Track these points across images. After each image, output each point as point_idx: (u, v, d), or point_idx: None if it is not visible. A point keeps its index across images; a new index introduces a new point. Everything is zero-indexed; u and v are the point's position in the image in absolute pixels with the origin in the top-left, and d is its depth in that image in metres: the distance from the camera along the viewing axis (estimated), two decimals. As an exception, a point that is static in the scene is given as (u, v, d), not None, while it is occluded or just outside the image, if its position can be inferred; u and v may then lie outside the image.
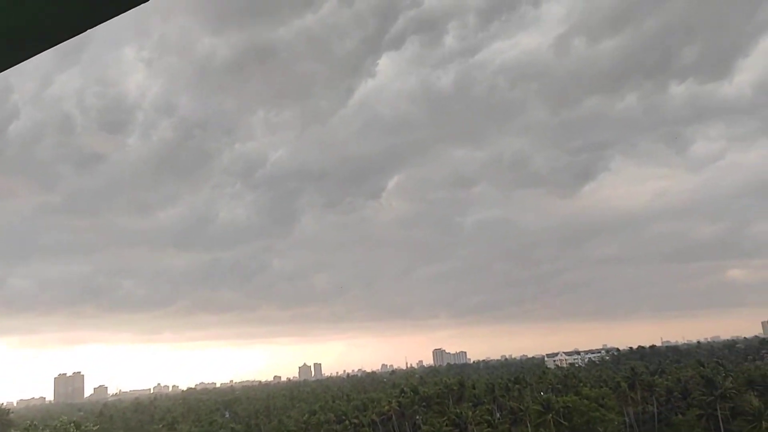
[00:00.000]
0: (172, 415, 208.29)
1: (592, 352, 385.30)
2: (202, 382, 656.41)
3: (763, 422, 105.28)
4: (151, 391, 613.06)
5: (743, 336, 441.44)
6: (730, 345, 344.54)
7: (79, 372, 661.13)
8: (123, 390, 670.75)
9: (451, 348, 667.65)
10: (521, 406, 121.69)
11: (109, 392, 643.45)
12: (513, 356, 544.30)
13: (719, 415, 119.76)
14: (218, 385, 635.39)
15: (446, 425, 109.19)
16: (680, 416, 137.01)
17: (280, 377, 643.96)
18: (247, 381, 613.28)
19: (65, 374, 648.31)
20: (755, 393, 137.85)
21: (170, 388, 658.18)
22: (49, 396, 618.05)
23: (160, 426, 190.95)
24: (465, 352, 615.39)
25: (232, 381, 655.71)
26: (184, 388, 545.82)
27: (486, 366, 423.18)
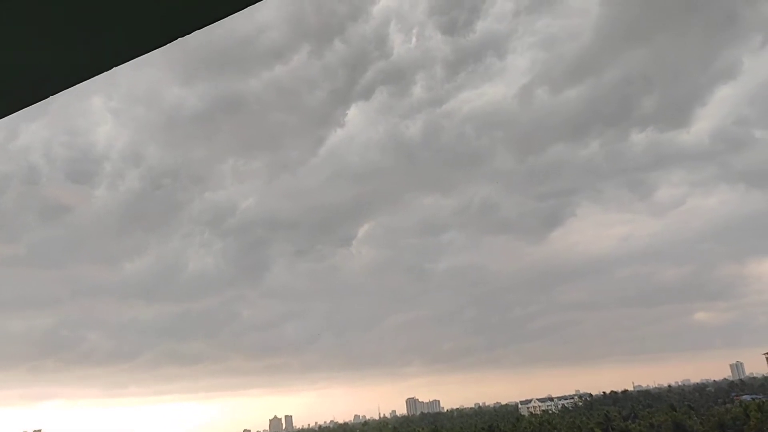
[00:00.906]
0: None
1: (565, 397, 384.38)
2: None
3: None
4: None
5: (713, 379, 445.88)
6: (701, 388, 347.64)
7: (40, 430, 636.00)
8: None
9: (424, 396, 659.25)
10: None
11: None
12: (486, 403, 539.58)
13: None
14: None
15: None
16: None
17: (249, 431, 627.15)
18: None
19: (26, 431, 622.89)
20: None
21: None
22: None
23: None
24: (438, 401, 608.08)
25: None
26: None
27: (460, 414, 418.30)
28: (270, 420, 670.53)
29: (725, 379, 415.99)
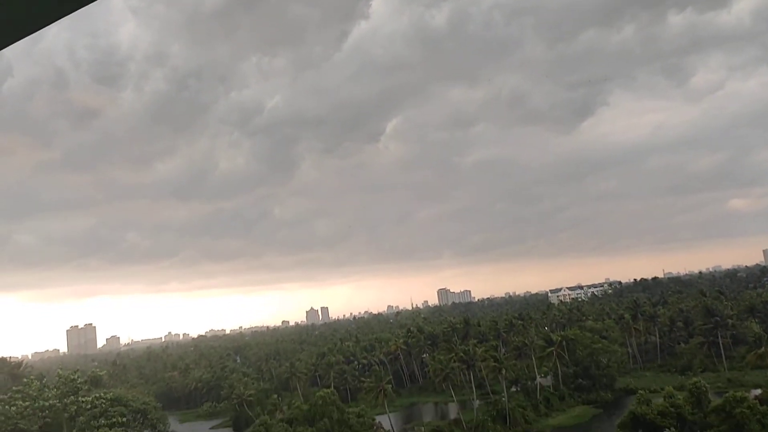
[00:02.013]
0: (184, 362, 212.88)
1: (594, 286, 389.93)
2: (211, 330, 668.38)
3: (764, 347, 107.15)
4: (162, 340, 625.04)
5: (744, 265, 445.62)
6: (732, 274, 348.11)
7: (91, 324, 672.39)
8: (135, 340, 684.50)
9: (456, 287, 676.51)
10: (526, 341, 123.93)
11: (121, 342, 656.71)
12: (517, 293, 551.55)
13: (720, 342, 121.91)
14: (228, 331, 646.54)
15: (453, 362, 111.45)
16: (682, 345, 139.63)
17: (288, 322, 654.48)
18: (256, 327, 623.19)
19: (77, 326, 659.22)
20: (756, 320, 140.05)
21: (181, 336, 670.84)
22: (63, 348, 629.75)
23: (174, 373, 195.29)
24: (469, 291, 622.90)
25: (241, 327, 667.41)
26: (195, 336, 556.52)
27: (490, 304, 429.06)
28: (307, 311, 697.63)
29: (757, 264, 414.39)
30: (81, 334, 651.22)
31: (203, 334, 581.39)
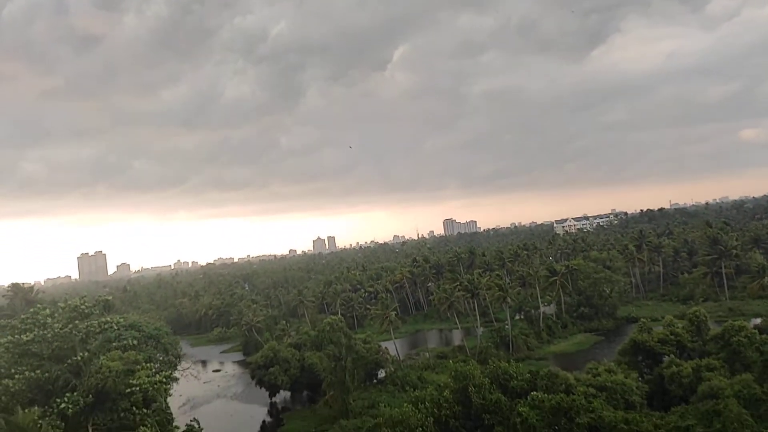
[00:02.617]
0: (194, 289, 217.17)
1: (600, 217, 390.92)
2: (220, 258, 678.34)
3: (766, 278, 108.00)
4: (172, 267, 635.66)
5: (752, 196, 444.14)
6: (739, 205, 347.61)
7: (101, 251, 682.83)
8: (144, 267, 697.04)
9: (461, 218, 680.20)
10: (530, 271, 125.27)
11: (131, 269, 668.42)
12: (522, 224, 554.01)
13: (723, 272, 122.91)
14: (236, 259, 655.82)
15: (458, 290, 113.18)
16: (685, 275, 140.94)
17: (295, 251, 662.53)
18: (264, 255, 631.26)
19: (87, 253, 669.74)
20: (760, 251, 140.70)
21: (190, 264, 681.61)
22: (75, 275, 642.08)
23: (184, 299, 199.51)
24: (475, 221, 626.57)
25: (249, 256, 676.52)
26: (204, 264, 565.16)
27: (496, 234, 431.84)
28: (314, 241, 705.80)
29: (765, 195, 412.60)
30: (92, 261, 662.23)
31: (212, 262, 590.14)
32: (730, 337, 58.89)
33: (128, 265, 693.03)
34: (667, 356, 62.73)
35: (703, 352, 61.65)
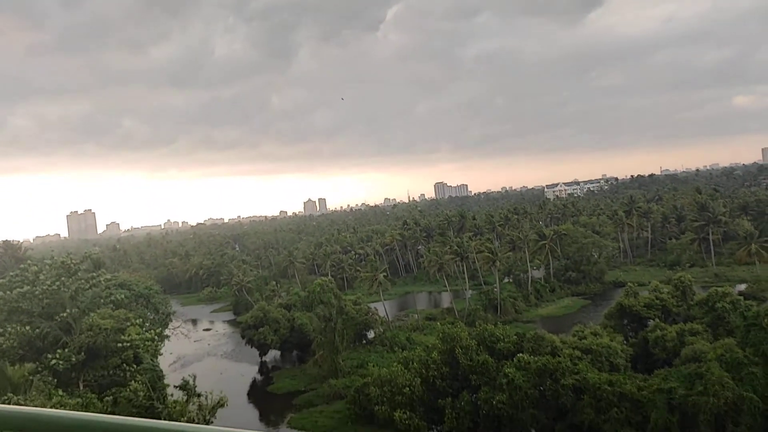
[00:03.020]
0: (184, 249, 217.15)
1: (591, 182, 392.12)
2: (210, 218, 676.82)
3: (753, 245, 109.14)
4: (162, 227, 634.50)
5: (742, 163, 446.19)
6: (729, 172, 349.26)
7: (90, 209, 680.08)
8: (134, 226, 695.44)
9: (453, 181, 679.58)
10: (520, 235, 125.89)
11: (121, 229, 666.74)
12: (513, 188, 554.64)
13: (711, 238, 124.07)
14: (226, 220, 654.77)
15: (447, 253, 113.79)
16: (673, 240, 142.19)
17: (286, 212, 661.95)
18: (254, 216, 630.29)
19: (77, 212, 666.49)
20: (748, 218, 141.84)
21: (180, 224, 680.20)
22: (64, 233, 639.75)
23: (174, 259, 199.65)
24: (466, 185, 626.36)
25: (239, 217, 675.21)
26: (194, 224, 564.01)
27: (487, 198, 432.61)
28: (304, 202, 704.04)
29: (755, 163, 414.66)
30: (81, 220, 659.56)
31: (202, 222, 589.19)
32: (714, 303, 59.83)
33: (118, 224, 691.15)
34: (652, 320, 63.75)
35: (687, 317, 62.64)
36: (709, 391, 39.23)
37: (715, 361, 42.20)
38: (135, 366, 51.00)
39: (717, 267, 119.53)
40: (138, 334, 52.56)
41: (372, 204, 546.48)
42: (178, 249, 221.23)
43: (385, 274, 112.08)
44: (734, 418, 38.39)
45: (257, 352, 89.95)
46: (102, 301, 61.17)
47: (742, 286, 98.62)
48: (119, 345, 49.87)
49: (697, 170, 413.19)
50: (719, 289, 63.62)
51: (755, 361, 41.64)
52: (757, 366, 41.27)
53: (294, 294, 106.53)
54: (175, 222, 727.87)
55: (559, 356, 48.62)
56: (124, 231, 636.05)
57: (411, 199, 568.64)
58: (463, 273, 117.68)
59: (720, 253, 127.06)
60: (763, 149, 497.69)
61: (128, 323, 55.83)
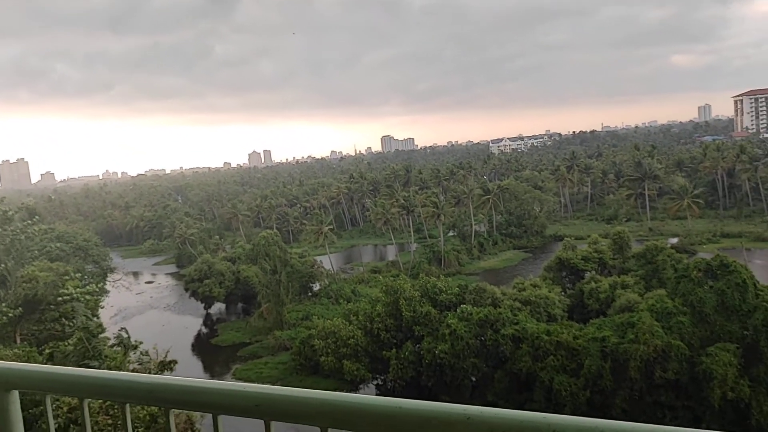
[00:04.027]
0: (124, 201, 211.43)
1: (535, 137, 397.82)
2: (151, 169, 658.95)
3: (686, 200, 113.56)
4: (100, 178, 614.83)
5: (679, 120, 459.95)
6: (666, 129, 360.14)
7: (23, 158, 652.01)
8: (71, 176, 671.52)
9: (400, 135, 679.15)
10: (465, 189, 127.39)
11: (56, 179, 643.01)
12: (459, 142, 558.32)
13: (646, 194, 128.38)
14: (168, 171, 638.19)
15: (394, 207, 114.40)
16: (611, 195, 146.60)
17: (230, 164, 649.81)
18: (197, 168, 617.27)
19: (8, 161, 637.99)
20: (682, 174, 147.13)
21: (119, 175, 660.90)
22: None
23: (114, 211, 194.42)
24: (413, 139, 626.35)
25: (181, 168, 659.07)
26: (134, 175, 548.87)
27: (433, 152, 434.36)
28: (249, 154, 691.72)
29: (691, 121, 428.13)
30: (13, 169, 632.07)
31: (143, 173, 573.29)
32: (652, 257, 62.35)
33: (53, 174, 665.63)
34: (589, 273, 66.06)
35: (623, 270, 65.15)
36: (640, 339, 41.13)
37: (647, 311, 44.18)
38: (73, 320, 49.97)
39: (652, 221, 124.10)
40: (77, 287, 51.31)
41: (318, 157, 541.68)
42: (118, 201, 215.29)
43: (331, 227, 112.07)
44: (662, 365, 40.46)
45: (201, 305, 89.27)
46: (37, 253, 59.22)
47: (674, 240, 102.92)
48: (59, 299, 48.67)
49: (637, 127, 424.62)
50: (655, 242, 66.30)
51: (683, 311, 43.78)
52: (685, 315, 43.42)
53: (239, 247, 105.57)
54: (114, 173, 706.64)
55: (500, 307, 50.02)
56: (60, 181, 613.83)
57: (358, 152, 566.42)
58: (409, 226, 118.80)
59: (655, 208, 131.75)
60: (699, 107, 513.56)
61: (67, 277, 54.40)
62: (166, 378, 2.34)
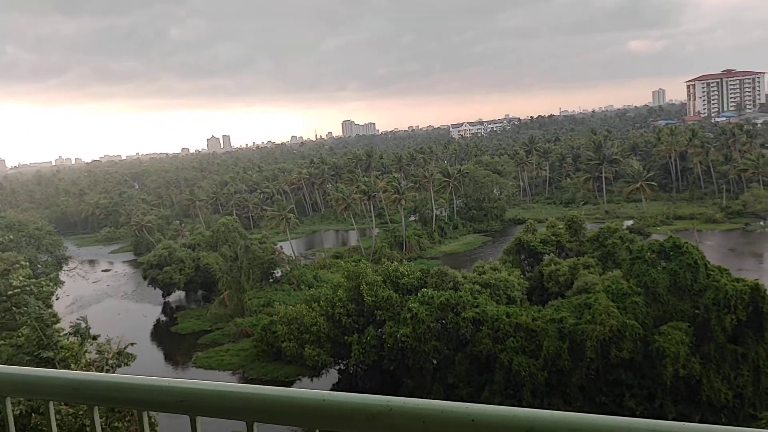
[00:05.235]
0: (79, 188, 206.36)
1: (495, 122, 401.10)
2: (106, 155, 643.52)
3: (640, 183, 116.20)
4: (53, 164, 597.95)
5: (634, 105, 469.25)
6: (622, 114, 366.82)
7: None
8: (22, 163, 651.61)
9: (360, 120, 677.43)
10: (425, 174, 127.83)
11: (7, 165, 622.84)
12: (420, 127, 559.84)
13: (603, 177, 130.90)
14: (124, 157, 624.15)
15: (355, 192, 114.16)
16: (569, 179, 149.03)
17: (188, 149, 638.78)
18: (154, 153, 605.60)
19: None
20: (637, 157, 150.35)
21: (73, 161, 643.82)
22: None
23: (68, 198, 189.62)
24: (374, 124, 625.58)
25: (138, 154, 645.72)
26: (89, 161, 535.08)
27: (394, 137, 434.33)
28: (208, 139, 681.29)
29: (646, 105, 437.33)
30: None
31: (98, 159, 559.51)
32: (605, 239, 63.72)
33: (3, 160, 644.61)
34: (547, 255, 67.14)
35: (579, 252, 66.40)
36: (596, 320, 42.08)
37: (603, 292, 45.17)
38: (25, 308, 48.71)
39: (608, 204, 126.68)
40: (29, 277, 49.98)
41: (279, 142, 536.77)
42: (72, 188, 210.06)
43: (291, 212, 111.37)
44: (617, 344, 41.49)
45: (161, 293, 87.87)
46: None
47: (630, 222, 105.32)
48: (9, 292, 47.39)
49: (593, 112, 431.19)
50: (610, 225, 67.78)
51: (638, 291, 44.90)
52: (639, 296, 44.54)
53: (198, 234, 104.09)
54: (67, 159, 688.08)
55: (461, 290, 50.51)
56: (11, 168, 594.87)
57: (318, 137, 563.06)
58: (370, 211, 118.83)
59: (611, 191, 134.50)
60: (653, 92, 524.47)
61: (17, 266, 52.94)
62: (90, 375, 2.30)
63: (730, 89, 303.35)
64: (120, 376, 2.25)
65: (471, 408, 1.69)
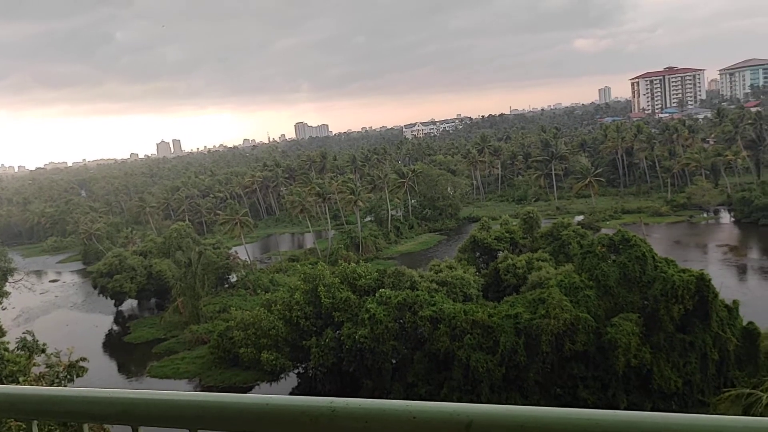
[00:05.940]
0: (22, 196, 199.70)
1: (447, 122, 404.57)
2: (51, 162, 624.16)
3: (589, 179, 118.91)
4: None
5: (582, 103, 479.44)
6: (570, 112, 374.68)
7: None
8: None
9: (313, 121, 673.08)
10: (380, 175, 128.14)
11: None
12: (373, 128, 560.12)
13: (553, 174, 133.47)
14: (70, 164, 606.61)
15: (310, 195, 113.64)
16: (521, 177, 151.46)
17: (137, 155, 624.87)
18: (102, 159, 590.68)
19: None
20: (585, 154, 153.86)
21: (16, 169, 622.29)
22: None
23: (11, 207, 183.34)
24: (327, 125, 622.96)
25: (84, 160, 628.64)
26: (33, 169, 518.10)
27: (347, 138, 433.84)
28: (157, 144, 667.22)
29: (593, 103, 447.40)
30: None
31: (42, 167, 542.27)
32: (557, 233, 65.02)
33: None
34: (501, 252, 68.12)
35: (533, 248, 67.57)
36: (551, 314, 42.88)
37: (556, 287, 46.07)
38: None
39: (559, 200, 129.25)
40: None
41: (231, 145, 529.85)
42: (15, 196, 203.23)
43: (246, 216, 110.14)
44: (571, 337, 42.39)
45: (112, 302, 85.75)
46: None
47: (580, 217, 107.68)
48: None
49: (542, 110, 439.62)
50: (562, 220, 69.20)
51: (590, 285, 45.97)
52: (591, 289, 45.61)
53: (149, 240, 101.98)
54: (9, 167, 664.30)
55: (418, 290, 50.83)
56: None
57: (271, 140, 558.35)
58: (326, 213, 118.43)
59: (561, 188, 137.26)
60: (599, 90, 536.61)
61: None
62: (28, 388, 2.26)
63: (672, 86, 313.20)
64: (59, 389, 2.20)
65: (411, 405, 1.72)
